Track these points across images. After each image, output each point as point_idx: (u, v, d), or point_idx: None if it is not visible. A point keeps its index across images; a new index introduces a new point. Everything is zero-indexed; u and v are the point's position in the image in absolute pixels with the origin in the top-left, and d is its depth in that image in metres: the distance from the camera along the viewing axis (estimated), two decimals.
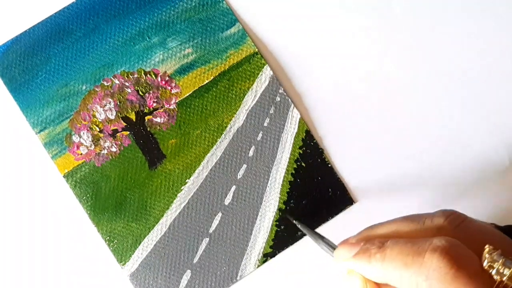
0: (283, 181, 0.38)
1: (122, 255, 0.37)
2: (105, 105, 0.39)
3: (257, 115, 0.39)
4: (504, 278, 0.21)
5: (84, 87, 0.39)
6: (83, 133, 0.38)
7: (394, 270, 0.24)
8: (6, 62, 0.38)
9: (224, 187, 0.38)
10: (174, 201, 0.38)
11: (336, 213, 0.38)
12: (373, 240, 0.26)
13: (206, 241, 0.37)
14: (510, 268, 0.21)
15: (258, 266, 0.37)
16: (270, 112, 0.39)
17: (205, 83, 0.39)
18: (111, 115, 0.38)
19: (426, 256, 0.22)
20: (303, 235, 0.37)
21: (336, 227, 0.38)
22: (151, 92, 0.39)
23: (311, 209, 0.38)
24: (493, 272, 0.22)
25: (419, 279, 0.22)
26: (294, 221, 0.36)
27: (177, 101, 0.39)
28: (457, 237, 0.23)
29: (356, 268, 0.26)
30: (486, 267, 0.22)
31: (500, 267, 0.22)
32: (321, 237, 0.32)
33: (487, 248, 0.22)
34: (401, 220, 0.27)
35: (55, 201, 0.38)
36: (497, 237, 0.25)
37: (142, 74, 0.39)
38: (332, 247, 0.30)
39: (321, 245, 0.31)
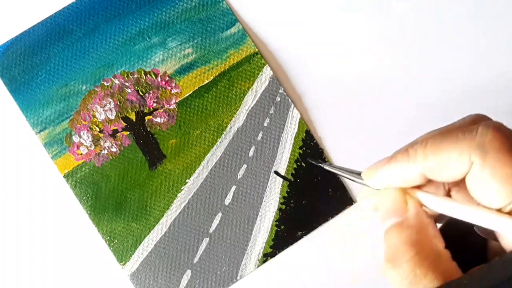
0: (283, 181, 0.38)
1: (123, 255, 0.37)
2: (105, 105, 0.39)
3: (257, 115, 0.39)
4: None
5: (84, 87, 0.39)
6: (83, 133, 0.38)
7: (440, 151, 0.22)
8: (6, 62, 0.38)
9: (224, 187, 0.38)
10: (174, 201, 0.38)
11: (336, 213, 0.38)
12: (399, 150, 0.24)
13: (206, 241, 0.38)
14: None
15: (258, 266, 0.37)
16: (270, 112, 0.39)
17: (205, 83, 0.39)
18: (111, 115, 0.38)
19: (480, 129, 0.21)
20: (303, 235, 0.37)
21: (336, 227, 0.38)
22: (151, 92, 0.39)
23: (311, 209, 0.38)
24: None
25: (473, 152, 0.21)
26: (319, 164, 0.35)
27: (177, 101, 0.39)
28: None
29: (394, 173, 0.24)
30: None
31: None
32: (357, 173, 0.29)
33: None
34: (433, 130, 0.25)
35: (55, 201, 0.38)
36: None
37: (142, 74, 0.39)
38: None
39: (358, 181, 0.28)
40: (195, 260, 0.37)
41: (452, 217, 0.23)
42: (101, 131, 0.38)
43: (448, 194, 0.26)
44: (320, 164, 0.36)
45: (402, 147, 0.25)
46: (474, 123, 0.23)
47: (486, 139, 0.21)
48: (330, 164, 0.34)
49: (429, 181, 0.24)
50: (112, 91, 0.39)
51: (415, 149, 0.23)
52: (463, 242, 0.24)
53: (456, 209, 0.23)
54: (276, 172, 0.38)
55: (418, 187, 0.25)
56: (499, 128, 0.22)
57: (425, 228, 0.24)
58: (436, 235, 0.24)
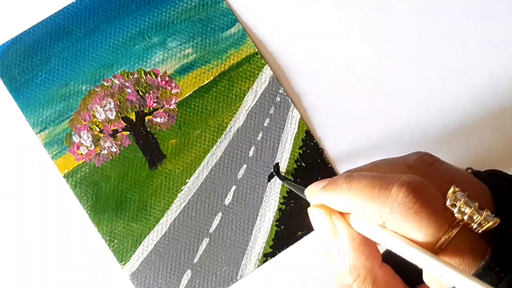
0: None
1: (123, 255, 0.37)
2: (105, 105, 0.39)
3: (257, 115, 0.39)
4: (465, 217, 0.22)
5: (84, 87, 0.39)
6: (83, 133, 0.38)
7: (360, 200, 0.24)
8: (6, 62, 0.38)
9: (224, 187, 0.38)
10: (174, 201, 0.38)
11: None
12: (342, 174, 0.26)
13: (206, 241, 0.38)
14: (471, 207, 0.22)
15: (258, 266, 0.37)
16: (270, 112, 0.39)
17: (205, 83, 0.39)
18: (111, 115, 0.38)
19: (393, 190, 0.22)
20: (303, 235, 0.38)
21: None
22: (151, 92, 0.39)
23: None
24: (455, 210, 0.22)
25: (384, 211, 0.23)
26: (281, 179, 0.37)
27: (177, 101, 0.39)
28: (426, 176, 0.23)
29: (323, 200, 0.26)
30: (449, 206, 0.22)
31: (462, 206, 0.22)
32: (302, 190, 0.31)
33: (452, 188, 0.23)
34: (377, 161, 0.27)
35: (55, 201, 0.38)
36: (466, 179, 0.25)
37: (142, 74, 0.39)
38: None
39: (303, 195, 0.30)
40: (195, 260, 0.37)
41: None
42: (101, 131, 0.38)
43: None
44: (282, 180, 0.37)
45: (343, 173, 0.26)
46: (408, 167, 0.25)
47: (395, 201, 0.22)
48: (286, 180, 0.36)
49: None
50: (112, 91, 0.39)
51: (341, 187, 0.25)
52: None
53: (384, 238, 0.23)
54: (277, 173, 0.38)
55: None
56: (413, 188, 0.22)
57: (358, 249, 0.25)
58: (371, 253, 0.25)
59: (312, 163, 0.38)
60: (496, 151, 0.39)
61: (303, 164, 0.38)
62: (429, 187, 0.23)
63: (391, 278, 0.25)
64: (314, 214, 0.26)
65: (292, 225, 0.38)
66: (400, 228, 0.22)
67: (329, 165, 0.38)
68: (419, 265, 0.22)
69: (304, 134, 0.39)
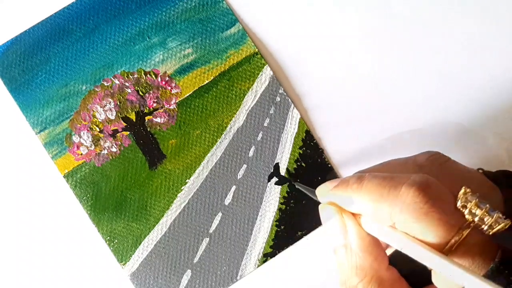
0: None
1: (123, 255, 0.37)
2: (105, 105, 0.39)
3: (257, 115, 0.39)
4: (476, 219, 0.22)
5: (84, 87, 0.39)
6: (83, 133, 0.38)
7: (370, 201, 0.24)
8: (6, 62, 0.38)
9: (224, 187, 0.38)
10: (174, 201, 0.38)
11: None
12: (353, 174, 0.26)
13: (206, 241, 0.38)
14: (482, 209, 0.22)
15: (258, 266, 0.37)
16: (270, 112, 0.39)
17: (205, 83, 0.39)
18: (111, 115, 0.38)
19: (403, 189, 0.22)
20: (303, 235, 0.38)
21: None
22: (151, 92, 0.39)
23: (311, 209, 0.38)
24: (466, 212, 0.22)
25: (393, 211, 0.22)
26: (293, 183, 0.37)
27: (177, 101, 0.39)
28: (437, 176, 0.23)
29: (334, 199, 0.26)
30: (459, 207, 0.22)
31: (472, 207, 0.22)
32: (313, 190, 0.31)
33: (463, 189, 0.22)
34: (388, 161, 0.27)
35: (55, 201, 0.38)
36: (478, 180, 0.25)
37: (142, 74, 0.39)
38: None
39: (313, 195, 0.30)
40: (195, 260, 0.37)
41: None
42: (101, 131, 0.38)
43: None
44: (288, 183, 0.37)
45: (355, 173, 0.26)
46: (419, 167, 0.25)
47: (406, 201, 0.22)
48: (298, 183, 0.36)
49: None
50: (112, 91, 0.39)
51: (352, 187, 0.25)
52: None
53: (394, 239, 0.23)
54: (276, 172, 0.38)
55: None
56: (423, 188, 0.22)
57: (367, 250, 0.25)
58: (379, 254, 0.25)
59: (312, 163, 0.38)
60: (504, 152, 0.39)
61: (303, 164, 0.38)
62: (440, 187, 0.23)
63: (397, 281, 0.25)
64: (325, 211, 0.26)
65: (292, 225, 0.38)
66: (410, 229, 0.22)
67: (329, 165, 0.38)
68: (429, 266, 0.22)
69: (304, 134, 0.39)
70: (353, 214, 0.26)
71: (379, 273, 0.24)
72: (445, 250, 0.22)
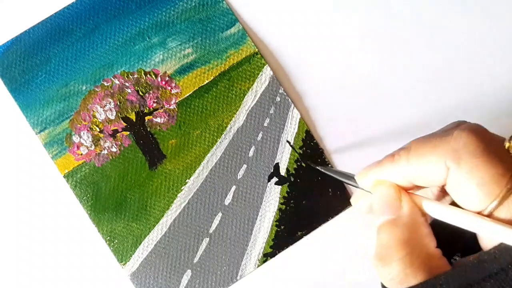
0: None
1: (123, 255, 0.37)
2: (105, 105, 0.39)
3: (257, 115, 0.39)
4: None
5: (84, 87, 0.39)
6: (83, 133, 0.38)
7: (420, 157, 0.23)
8: (6, 62, 0.38)
9: (224, 187, 0.38)
10: (174, 201, 0.38)
11: (336, 213, 0.38)
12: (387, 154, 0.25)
13: (206, 241, 0.38)
14: None
15: (258, 266, 0.37)
16: (270, 112, 0.39)
17: (205, 83, 0.39)
18: (111, 115, 0.38)
19: (455, 134, 0.22)
20: (303, 235, 0.38)
21: (336, 227, 0.38)
22: (151, 92, 0.39)
23: (311, 209, 0.38)
24: None
25: (448, 157, 0.22)
26: (317, 167, 0.36)
27: (177, 101, 0.39)
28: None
29: (382, 175, 0.25)
30: (507, 147, 0.22)
31: None
32: (351, 176, 0.30)
33: (507, 137, 0.22)
34: (414, 139, 0.26)
35: (55, 201, 0.38)
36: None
37: (142, 74, 0.39)
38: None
39: (352, 183, 0.29)
40: (195, 260, 0.37)
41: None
42: (101, 131, 0.38)
43: (438, 199, 0.27)
44: (317, 167, 0.36)
45: (391, 152, 0.26)
46: (456, 128, 0.24)
47: (460, 143, 0.22)
48: (327, 167, 0.34)
49: (417, 186, 0.25)
50: (112, 91, 0.39)
51: (400, 155, 0.24)
52: (456, 232, 0.24)
53: (436, 211, 0.23)
54: (276, 172, 0.38)
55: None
56: (474, 131, 0.22)
57: (418, 226, 0.24)
58: (428, 233, 0.24)
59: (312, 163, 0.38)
60: None
61: (303, 164, 0.38)
62: (488, 131, 0.23)
63: (443, 259, 0.24)
64: (380, 190, 0.25)
65: (292, 225, 0.38)
66: (467, 174, 0.22)
67: (329, 165, 0.38)
68: (487, 234, 0.22)
69: (304, 134, 0.39)
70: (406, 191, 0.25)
71: (427, 250, 0.23)
72: (502, 194, 0.21)
